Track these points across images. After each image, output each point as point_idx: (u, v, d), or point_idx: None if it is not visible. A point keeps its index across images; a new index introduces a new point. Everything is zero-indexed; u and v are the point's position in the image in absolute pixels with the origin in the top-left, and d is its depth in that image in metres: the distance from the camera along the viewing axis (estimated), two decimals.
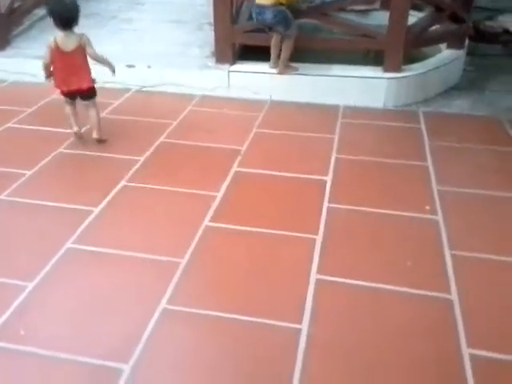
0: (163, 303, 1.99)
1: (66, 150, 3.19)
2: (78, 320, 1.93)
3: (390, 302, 2.02)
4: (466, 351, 1.79)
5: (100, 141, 3.27)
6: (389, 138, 3.42)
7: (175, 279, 2.12)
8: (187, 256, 2.25)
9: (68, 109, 3.25)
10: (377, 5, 5.17)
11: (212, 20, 4.04)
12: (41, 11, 4.91)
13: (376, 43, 3.95)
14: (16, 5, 4.72)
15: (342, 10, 4.51)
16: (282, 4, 3.71)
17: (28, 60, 4.24)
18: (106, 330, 1.89)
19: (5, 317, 1.92)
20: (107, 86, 4.16)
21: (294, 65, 4.01)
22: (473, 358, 1.76)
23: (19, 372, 1.73)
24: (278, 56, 3.93)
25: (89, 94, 3.21)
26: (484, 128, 3.52)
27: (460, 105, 3.87)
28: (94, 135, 3.26)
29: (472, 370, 1.72)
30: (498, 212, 2.59)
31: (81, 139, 3.28)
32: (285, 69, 3.97)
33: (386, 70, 3.88)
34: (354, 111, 3.78)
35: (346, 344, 1.83)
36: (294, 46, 3.88)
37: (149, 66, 4.16)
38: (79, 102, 3.25)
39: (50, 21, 3.04)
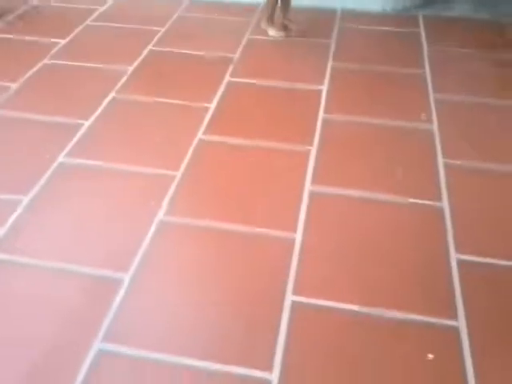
0: (160, 215, 2.02)
1: (51, 61, 3.07)
2: (75, 233, 1.97)
3: (381, 209, 2.06)
4: (454, 256, 1.86)
5: None
6: (387, 45, 3.29)
7: (170, 191, 2.13)
8: (182, 169, 2.25)
9: None
10: None
11: None
12: None
13: None
14: None
15: None
16: None
17: None
18: (104, 241, 1.93)
19: (1, 231, 1.95)
20: None
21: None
22: (460, 262, 1.83)
23: (16, 282, 1.78)
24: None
25: None
26: (485, 32, 3.38)
27: (461, 8, 3.68)
28: None
29: (459, 273, 1.79)
30: (494, 120, 2.56)
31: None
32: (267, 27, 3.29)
33: None
34: (352, 15, 3.60)
35: (338, 250, 1.89)
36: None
37: None
38: None
39: None
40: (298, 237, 1.93)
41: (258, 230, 1.96)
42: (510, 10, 3.63)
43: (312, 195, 2.12)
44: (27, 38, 3.32)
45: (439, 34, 3.35)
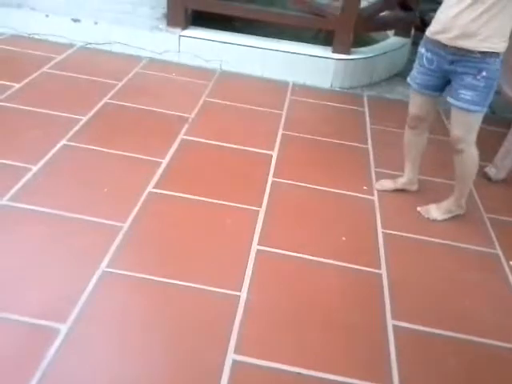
0: (103, 266, 1.98)
1: (2, 103, 3.03)
2: (11, 278, 1.89)
3: (324, 273, 2.13)
4: (390, 322, 1.93)
5: None
6: (334, 119, 3.51)
7: (116, 243, 2.11)
8: (129, 220, 2.24)
9: None
10: None
11: None
12: None
13: (328, 23, 3.99)
14: None
15: None
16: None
17: None
18: (43, 289, 1.86)
19: None
20: (50, 39, 3.99)
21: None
22: (396, 328, 1.91)
23: None
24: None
25: None
26: None
27: (402, 92, 4.02)
28: None
29: (394, 339, 1.86)
30: (424, 196, 2.74)
31: None
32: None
33: (335, 51, 3.94)
34: (303, 89, 3.84)
35: (282, 311, 1.92)
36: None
37: (95, 22, 3.99)
38: None
39: None
40: (243, 295, 1.95)
41: (203, 286, 1.97)
42: (444, 98, 4.00)
43: (259, 255, 2.16)
44: None
45: (381, 114, 3.62)
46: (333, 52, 3.94)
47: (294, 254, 2.20)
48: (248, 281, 2.02)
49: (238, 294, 1.95)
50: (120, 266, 2.00)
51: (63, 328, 1.71)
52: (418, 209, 2.60)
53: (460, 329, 1.95)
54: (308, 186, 2.68)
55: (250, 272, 2.06)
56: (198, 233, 2.25)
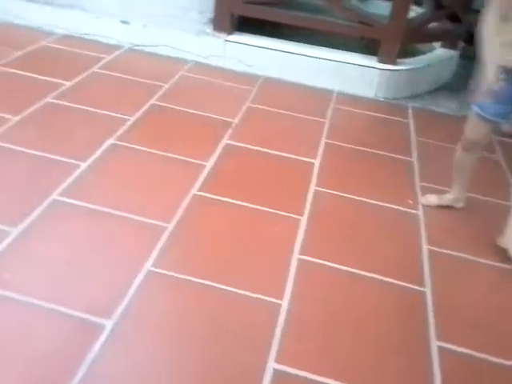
0: (148, 265, 2.01)
1: (54, 100, 3.11)
2: (60, 272, 1.93)
3: (365, 287, 2.10)
4: (434, 343, 1.88)
5: None
6: (378, 130, 3.47)
7: (161, 243, 2.13)
8: (174, 221, 2.26)
9: None
10: None
11: None
12: None
13: (375, 32, 3.96)
14: None
15: None
16: None
17: None
18: (90, 285, 1.90)
19: None
20: (100, 39, 4.08)
21: None
22: (441, 350, 1.86)
23: None
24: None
25: None
26: None
27: (448, 105, 3.95)
28: None
29: (439, 361, 1.81)
30: (471, 214, 2.67)
31: None
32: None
33: (380, 61, 3.90)
34: (347, 98, 3.81)
35: (322, 323, 1.90)
36: None
37: (144, 25, 4.06)
38: None
39: None
40: (285, 304, 1.94)
41: (245, 291, 1.97)
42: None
43: (300, 264, 2.15)
44: (34, 75, 3.37)
45: (427, 127, 3.56)
46: (378, 62, 3.91)
47: (336, 266, 2.17)
48: (289, 290, 2.01)
49: (279, 302, 1.94)
50: (164, 266, 2.02)
51: (108, 324, 1.74)
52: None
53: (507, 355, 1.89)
54: (350, 196, 2.65)
55: (292, 281, 2.05)
56: (239, 237, 2.26)
